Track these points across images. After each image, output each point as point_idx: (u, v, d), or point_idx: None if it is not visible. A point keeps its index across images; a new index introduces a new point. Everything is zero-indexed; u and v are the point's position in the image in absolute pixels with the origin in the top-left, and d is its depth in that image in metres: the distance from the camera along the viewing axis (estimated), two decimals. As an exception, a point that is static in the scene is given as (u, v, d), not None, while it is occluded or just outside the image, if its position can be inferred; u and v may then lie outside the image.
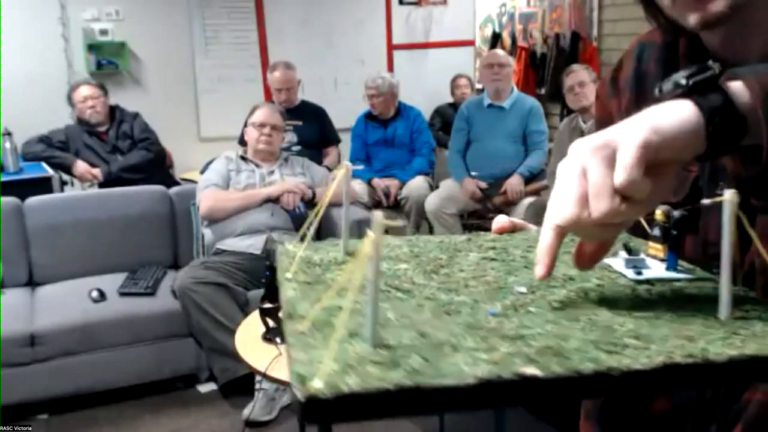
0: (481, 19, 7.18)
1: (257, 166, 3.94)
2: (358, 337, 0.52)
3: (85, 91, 4.71)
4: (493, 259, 0.76)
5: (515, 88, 5.05)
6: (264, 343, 2.61)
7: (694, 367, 0.51)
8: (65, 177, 4.84)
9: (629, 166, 0.56)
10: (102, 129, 4.73)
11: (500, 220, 0.86)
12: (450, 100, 6.41)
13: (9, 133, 4.57)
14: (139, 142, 4.70)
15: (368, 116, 5.36)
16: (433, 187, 5.15)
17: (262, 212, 3.77)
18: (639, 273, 0.72)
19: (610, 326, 0.57)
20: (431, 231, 4.89)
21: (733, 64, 0.66)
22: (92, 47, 6.01)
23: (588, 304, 0.63)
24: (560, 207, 0.60)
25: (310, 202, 3.92)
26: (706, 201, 0.62)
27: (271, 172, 3.95)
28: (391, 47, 7.06)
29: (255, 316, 2.77)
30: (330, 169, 4.64)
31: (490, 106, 4.90)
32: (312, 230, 0.78)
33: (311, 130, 5.10)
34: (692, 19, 0.75)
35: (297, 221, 3.82)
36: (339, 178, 0.76)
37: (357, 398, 0.44)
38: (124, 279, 3.79)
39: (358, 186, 5.00)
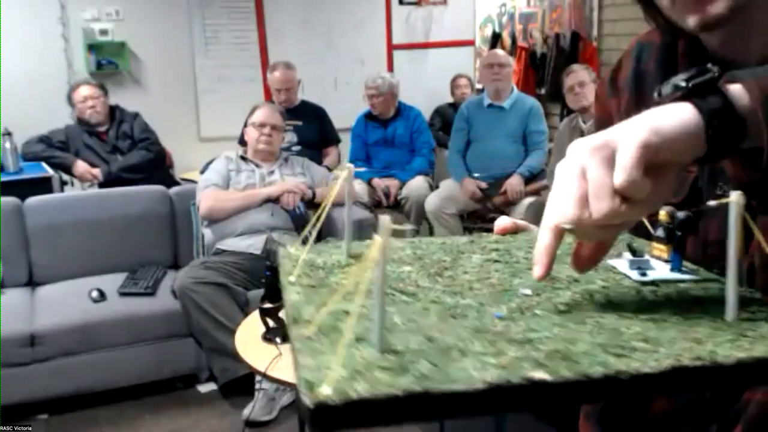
0: (481, 19, 7.18)
1: (257, 166, 3.94)
2: (365, 342, 0.52)
3: (85, 91, 4.71)
4: (496, 261, 0.76)
5: (515, 88, 5.05)
6: (264, 343, 2.61)
7: (703, 370, 0.50)
8: (65, 177, 4.84)
9: (629, 166, 0.56)
10: (102, 129, 4.73)
11: (503, 222, 0.86)
12: (450, 100, 6.41)
13: (9, 133, 4.57)
14: (139, 142, 4.70)
15: (368, 116, 5.36)
16: (433, 187, 5.15)
17: (262, 212, 3.77)
18: (643, 274, 0.71)
19: (617, 329, 0.57)
20: (431, 231, 4.89)
21: (733, 66, 0.66)
22: (92, 47, 6.01)
23: (594, 307, 0.63)
24: (560, 207, 0.60)
25: (310, 202, 3.92)
26: (712, 202, 0.62)
27: (271, 172, 3.95)
28: (391, 47, 7.06)
29: (255, 316, 2.77)
30: (330, 169, 4.64)
31: (490, 106, 4.90)
32: (315, 233, 0.77)
33: (311, 130, 5.10)
34: (692, 21, 0.75)
35: (297, 221, 3.82)
36: (341, 180, 0.76)
37: (366, 405, 0.44)
38: (124, 279, 3.79)
39: (358, 186, 5.00)
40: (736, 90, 0.61)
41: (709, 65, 0.63)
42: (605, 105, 0.97)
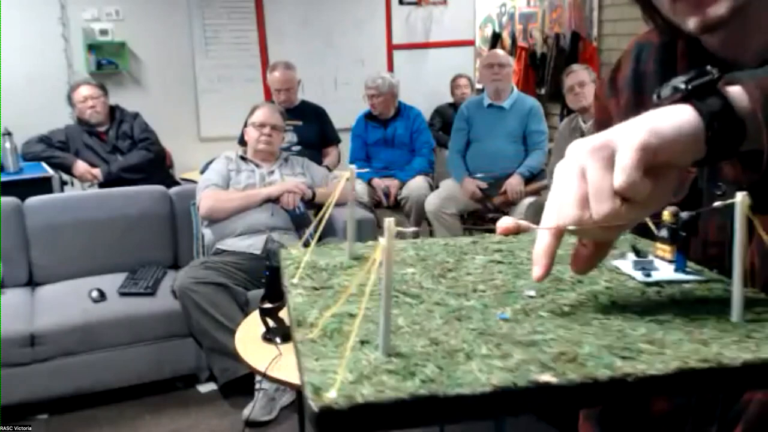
0: (481, 19, 7.18)
1: (257, 166, 3.94)
2: (369, 345, 0.52)
3: (85, 91, 4.70)
4: (500, 262, 0.76)
5: (515, 88, 5.05)
6: (264, 343, 2.60)
7: (709, 372, 0.50)
8: (65, 177, 4.83)
9: (628, 167, 0.56)
10: (102, 129, 4.72)
11: (505, 222, 0.86)
12: (450, 100, 6.41)
13: (9, 133, 4.57)
14: (139, 142, 4.69)
15: (368, 116, 5.36)
16: (433, 187, 5.15)
17: (262, 212, 3.77)
18: (648, 275, 0.71)
19: (622, 330, 0.56)
20: (431, 231, 4.89)
21: (733, 66, 0.66)
22: (92, 47, 6.01)
23: (599, 308, 0.62)
24: (561, 208, 0.60)
25: (310, 202, 3.92)
26: (718, 203, 0.62)
27: (271, 172, 3.94)
28: (391, 47, 7.06)
29: (255, 316, 2.77)
30: (330, 169, 4.63)
31: (490, 106, 4.89)
32: (317, 235, 0.77)
33: (311, 130, 5.09)
34: (692, 23, 0.75)
35: (297, 221, 3.82)
36: (343, 182, 0.76)
37: (372, 409, 0.44)
38: (124, 279, 3.78)
39: (358, 186, 5.00)
40: (735, 92, 0.61)
41: (709, 67, 0.63)
42: (605, 105, 0.97)
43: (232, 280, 3.56)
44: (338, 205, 0.92)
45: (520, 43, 6.53)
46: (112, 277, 3.81)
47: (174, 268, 3.97)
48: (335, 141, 5.26)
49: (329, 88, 6.75)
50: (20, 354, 3.35)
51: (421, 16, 7.12)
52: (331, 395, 0.44)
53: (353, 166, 0.78)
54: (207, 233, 3.86)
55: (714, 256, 0.78)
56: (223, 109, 6.32)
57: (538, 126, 4.85)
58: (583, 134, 4.36)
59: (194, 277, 3.52)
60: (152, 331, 3.58)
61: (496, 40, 6.86)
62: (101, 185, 4.57)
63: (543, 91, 6.11)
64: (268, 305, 2.60)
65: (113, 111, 4.80)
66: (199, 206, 3.80)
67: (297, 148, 4.90)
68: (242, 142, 4.46)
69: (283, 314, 2.59)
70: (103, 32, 6.05)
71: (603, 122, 0.95)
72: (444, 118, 6.12)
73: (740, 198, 0.58)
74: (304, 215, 3.84)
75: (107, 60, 6.07)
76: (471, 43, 7.30)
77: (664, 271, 0.72)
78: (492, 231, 0.86)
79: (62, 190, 4.72)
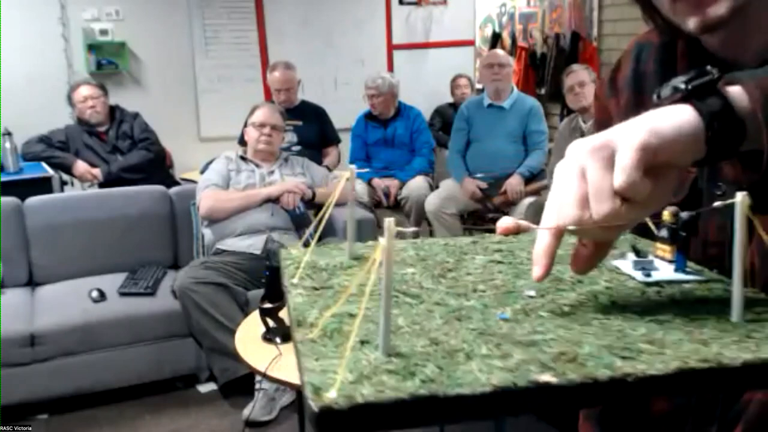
0: (481, 19, 7.18)
1: (257, 166, 3.94)
2: (369, 345, 0.52)
3: (85, 91, 4.70)
4: (500, 262, 0.76)
5: (515, 88, 5.05)
6: (264, 343, 2.60)
7: (709, 372, 0.50)
8: (65, 177, 4.83)
9: (628, 167, 0.56)
10: (102, 129, 4.72)
11: (505, 222, 0.86)
12: (450, 100, 6.41)
13: (9, 133, 4.57)
14: (139, 142, 4.69)
15: (368, 116, 5.35)
16: (433, 187, 5.15)
17: (262, 212, 3.77)
18: (648, 275, 0.71)
19: (622, 330, 0.56)
20: (431, 231, 4.89)
21: (733, 66, 0.66)
22: (92, 47, 6.01)
23: (598, 308, 0.62)
24: (561, 208, 0.60)
25: (310, 202, 3.91)
26: (718, 203, 0.62)
27: (271, 172, 3.94)
28: (391, 47, 7.06)
29: (255, 316, 2.77)
30: (330, 169, 4.63)
31: (490, 106, 4.89)
32: (317, 235, 0.77)
33: (311, 130, 5.09)
34: (692, 23, 0.75)
35: (297, 221, 3.81)
36: (344, 182, 0.76)
37: (372, 409, 0.44)
38: (124, 279, 3.78)
39: (359, 186, 5.00)
40: (735, 92, 0.61)
41: (708, 67, 0.63)
42: (605, 105, 0.97)
43: (232, 280, 3.56)
44: (338, 205, 0.92)
45: (520, 43, 6.53)
46: (112, 277, 3.81)
47: (174, 268, 3.97)
48: (335, 141, 5.26)
49: (329, 88, 6.75)
50: (20, 354, 3.35)
51: (421, 16, 7.12)
52: (331, 395, 0.44)
53: (353, 166, 0.78)
54: (207, 233, 3.86)
55: (714, 256, 0.78)
56: (223, 109, 6.32)
57: (538, 126, 4.85)
58: (583, 134, 4.36)
59: (194, 277, 3.52)
60: (152, 331, 3.58)
61: (496, 40, 6.86)
62: (101, 185, 4.57)
63: (543, 91, 6.11)
64: (268, 305, 2.60)
65: (113, 111, 4.80)
66: (199, 206, 3.80)
67: (297, 148, 4.89)
68: (242, 142, 4.46)
69: (283, 314, 2.59)
70: (103, 32, 6.05)
71: (603, 122, 0.95)
72: (444, 118, 6.12)
73: (740, 198, 0.58)
74: (304, 215, 3.83)
75: (107, 60, 6.07)
76: (471, 43, 7.30)
77: (664, 271, 0.72)
78: (492, 231, 0.86)
79: (62, 190, 4.72)
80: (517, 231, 0.85)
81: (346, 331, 0.55)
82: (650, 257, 0.75)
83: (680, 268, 0.72)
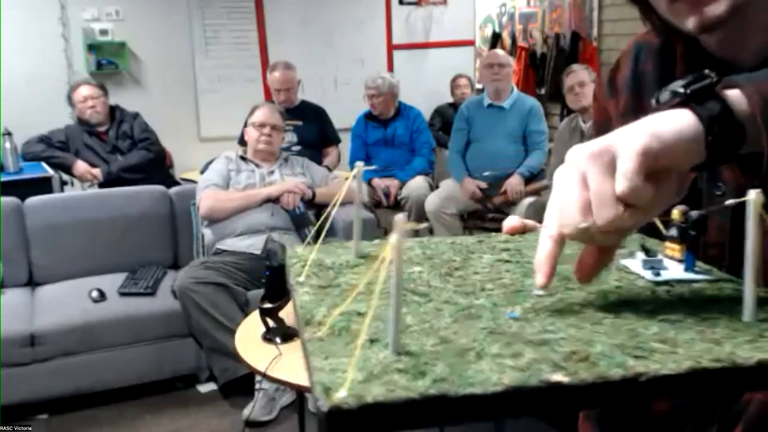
0: (481, 19, 7.18)
1: (257, 166, 3.93)
2: (378, 343, 0.51)
3: (85, 91, 4.69)
4: (507, 261, 0.75)
5: (515, 88, 5.05)
6: (264, 343, 2.60)
7: (722, 372, 0.50)
8: (65, 177, 4.83)
9: (630, 172, 0.56)
10: (102, 129, 4.72)
11: (511, 221, 0.85)
12: (450, 100, 6.41)
13: (9, 133, 4.57)
14: (139, 142, 4.69)
15: (368, 116, 5.35)
16: (433, 187, 5.15)
17: (262, 212, 3.76)
18: (657, 274, 0.71)
19: (634, 329, 0.56)
20: (431, 231, 4.88)
21: (732, 66, 0.66)
22: (92, 47, 6.01)
23: (609, 307, 0.62)
24: (563, 214, 0.59)
25: (310, 202, 3.91)
26: (731, 201, 0.61)
27: (271, 172, 3.94)
28: (391, 47, 7.06)
29: (255, 316, 2.76)
30: (330, 169, 4.63)
31: (490, 106, 4.89)
32: (323, 233, 0.77)
33: (311, 130, 5.09)
34: (690, 23, 0.75)
35: (297, 221, 3.81)
36: (351, 179, 0.75)
37: (382, 408, 0.43)
38: (124, 279, 3.78)
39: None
40: (734, 95, 0.61)
41: (707, 71, 0.63)
42: (604, 106, 0.97)
43: (232, 280, 3.56)
44: (339, 204, 0.92)
45: (520, 43, 6.53)
46: (112, 277, 3.81)
47: (174, 268, 3.97)
48: (335, 141, 5.26)
49: (329, 88, 6.75)
50: (20, 354, 3.34)
51: (421, 16, 7.12)
52: (341, 395, 0.43)
53: (361, 163, 0.78)
54: (207, 233, 3.86)
55: (714, 257, 0.78)
56: (223, 109, 6.32)
57: (538, 126, 4.85)
58: (583, 134, 4.36)
59: (194, 277, 3.51)
60: (152, 331, 3.58)
61: (496, 40, 6.86)
62: (101, 185, 4.57)
63: (543, 91, 6.11)
64: (268, 305, 2.60)
65: (113, 111, 4.79)
66: (199, 206, 3.80)
67: (297, 148, 4.89)
68: (242, 142, 4.46)
69: (283, 314, 2.59)
70: (103, 32, 6.04)
71: (602, 124, 0.94)
72: (444, 118, 6.12)
73: (753, 196, 0.57)
74: (304, 215, 3.83)
75: (107, 60, 6.07)
76: (471, 43, 7.30)
77: (674, 270, 0.72)
78: (492, 231, 0.86)
79: (62, 190, 4.71)
80: (523, 230, 0.85)
81: (355, 329, 0.54)
82: (659, 256, 0.74)
83: (690, 268, 0.72)
